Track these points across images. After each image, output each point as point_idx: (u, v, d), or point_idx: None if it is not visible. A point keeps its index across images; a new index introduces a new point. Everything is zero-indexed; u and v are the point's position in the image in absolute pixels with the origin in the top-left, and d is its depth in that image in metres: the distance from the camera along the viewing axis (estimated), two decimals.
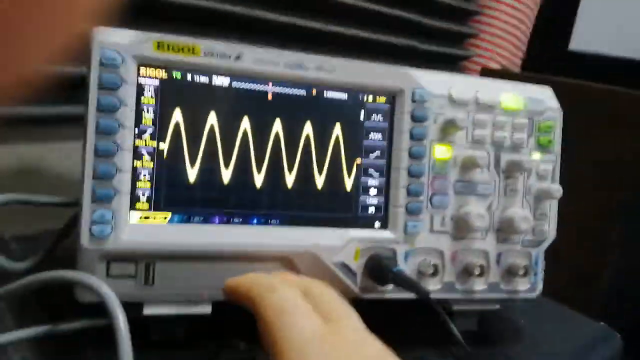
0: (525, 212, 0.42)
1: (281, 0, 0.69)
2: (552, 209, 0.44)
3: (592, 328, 0.52)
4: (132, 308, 0.35)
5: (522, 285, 0.43)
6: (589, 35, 1.25)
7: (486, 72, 1.04)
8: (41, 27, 0.14)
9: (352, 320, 0.28)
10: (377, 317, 0.43)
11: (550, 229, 0.44)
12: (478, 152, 0.41)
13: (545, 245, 0.44)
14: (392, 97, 0.40)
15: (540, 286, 0.44)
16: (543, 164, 0.43)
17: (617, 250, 0.87)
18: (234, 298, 0.31)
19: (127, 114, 0.33)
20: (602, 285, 0.88)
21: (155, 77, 0.34)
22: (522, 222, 0.41)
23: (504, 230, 0.42)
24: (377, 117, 0.40)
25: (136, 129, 0.34)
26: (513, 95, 0.42)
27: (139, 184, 0.34)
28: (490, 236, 0.42)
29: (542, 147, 0.43)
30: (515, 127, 0.42)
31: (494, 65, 1.09)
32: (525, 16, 1.12)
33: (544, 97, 0.44)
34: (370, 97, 0.40)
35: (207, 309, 0.36)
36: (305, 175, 0.38)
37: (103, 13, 0.16)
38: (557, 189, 0.42)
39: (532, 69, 1.25)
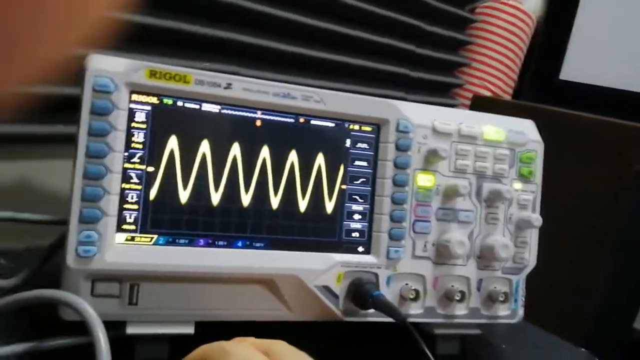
0: (505, 240, 0.43)
1: (279, 28, 0.71)
2: (532, 237, 0.45)
3: (573, 354, 0.52)
4: (116, 327, 0.35)
5: (503, 311, 0.44)
6: (580, 65, 1.28)
7: (477, 100, 1.06)
8: (36, 42, 0.14)
9: None
10: (361, 340, 0.44)
11: (530, 257, 0.45)
12: (460, 181, 0.42)
13: (526, 272, 0.45)
14: (378, 127, 0.41)
15: (520, 312, 0.45)
16: (524, 194, 0.44)
17: (603, 278, 0.87)
18: None
19: (117, 138, 0.34)
20: (590, 310, 0.88)
21: (147, 103, 0.35)
22: (503, 249, 0.42)
23: (485, 257, 0.43)
24: (362, 145, 0.41)
25: (126, 153, 0.35)
26: (495, 128, 0.43)
27: (126, 206, 0.35)
28: (471, 262, 0.43)
29: (523, 178, 0.44)
30: (496, 157, 0.43)
31: (485, 93, 1.12)
32: (517, 46, 1.15)
33: (526, 129, 0.45)
34: (357, 126, 0.41)
35: (190, 329, 0.37)
36: (290, 200, 0.39)
37: (99, 36, 0.16)
38: (536, 218, 0.43)
39: (523, 97, 1.27)
